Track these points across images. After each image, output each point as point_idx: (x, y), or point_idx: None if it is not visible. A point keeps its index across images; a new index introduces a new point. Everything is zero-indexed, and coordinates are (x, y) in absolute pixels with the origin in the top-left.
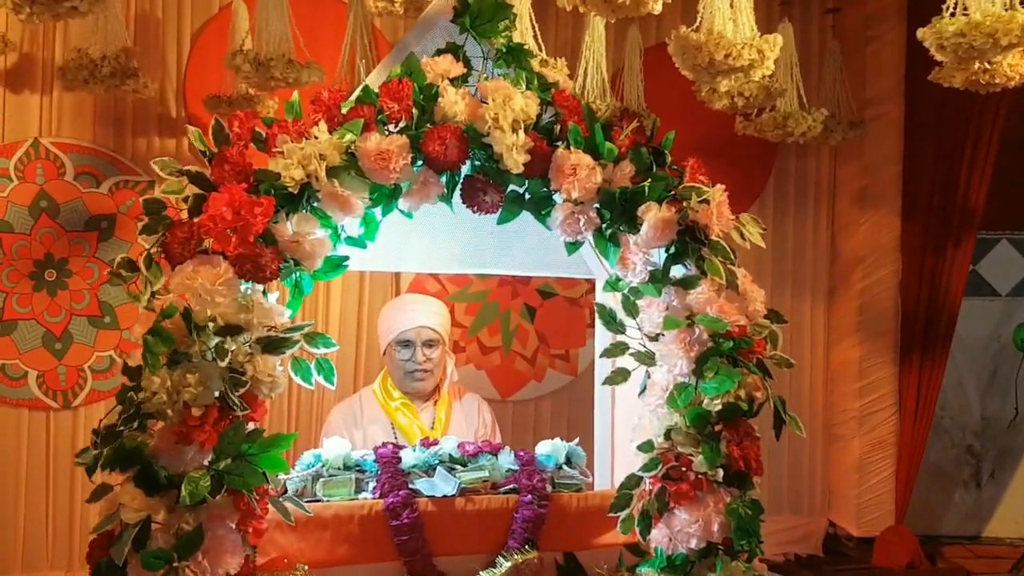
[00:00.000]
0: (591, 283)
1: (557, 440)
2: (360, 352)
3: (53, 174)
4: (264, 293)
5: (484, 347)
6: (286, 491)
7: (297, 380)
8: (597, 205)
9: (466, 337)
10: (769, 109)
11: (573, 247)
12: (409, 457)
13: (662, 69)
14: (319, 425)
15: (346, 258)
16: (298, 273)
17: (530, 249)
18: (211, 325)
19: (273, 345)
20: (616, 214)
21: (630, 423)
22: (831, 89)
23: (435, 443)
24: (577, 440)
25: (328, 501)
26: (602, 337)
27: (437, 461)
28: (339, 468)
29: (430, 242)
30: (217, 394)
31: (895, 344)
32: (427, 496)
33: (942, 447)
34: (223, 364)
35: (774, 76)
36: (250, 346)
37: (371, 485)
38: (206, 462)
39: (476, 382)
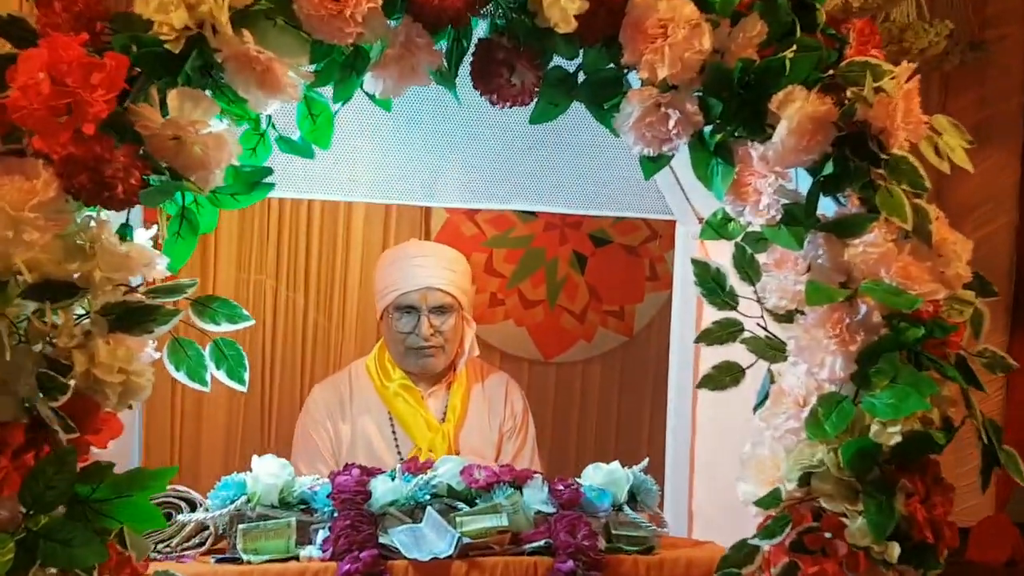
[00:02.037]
0: (653, 229)
1: (614, 465)
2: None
3: None
4: (125, 230)
5: (526, 300)
6: (205, 531)
7: (179, 377)
8: (700, 92)
9: (505, 288)
10: (882, 20)
11: (653, 165)
12: (382, 491)
13: None
14: None
15: (269, 171)
16: (186, 196)
17: (585, 176)
18: (17, 280)
19: (130, 317)
20: (732, 108)
21: (716, 439)
22: (947, 2)
23: (425, 467)
24: (645, 464)
25: (250, 561)
26: (683, 305)
27: (427, 497)
28: (272, 506)
29: (461, 168)
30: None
31: (1008, 307)
32: (407, 559)
33: None
34: (36, 349)
35: None
36: (92, 319)
37: (320, 535)
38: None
39: (516, 341)
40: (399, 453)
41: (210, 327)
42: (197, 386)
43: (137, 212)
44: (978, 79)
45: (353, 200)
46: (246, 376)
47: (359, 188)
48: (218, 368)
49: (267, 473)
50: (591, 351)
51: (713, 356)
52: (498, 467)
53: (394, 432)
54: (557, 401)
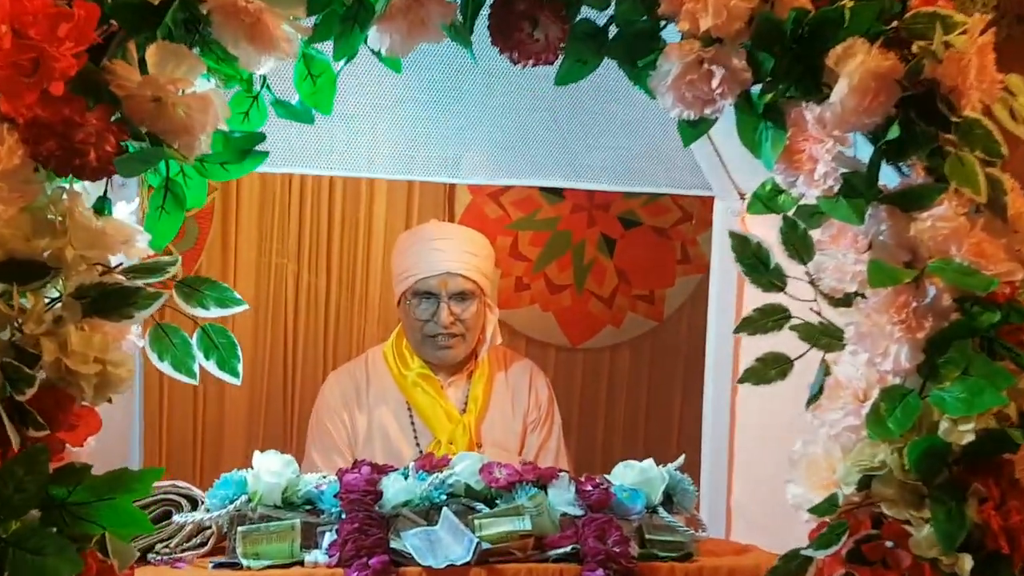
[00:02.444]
0: (685, 210)
1: (647, 463)
2: None
3: None
4: (103, 204)
5: (552, 285)
6: (207, 530)
7: (162, 368)
8: (747, 46)
9: (531, 272)
10: None
11: (692, 131)
12: (394, 491)
13: None
14: None
15: (261, 137)
16: (171, 166)
17: (615, 151)
18: None
19: (107, 301)
20: (784, 64)
21: (758, 432)
22: None
23: (441, 464)
24: (681, 462)
25: (250, 567)
26: (721, 288)
27: (443, 498)
28: (275, 506)
29: (485, 143)
30: None
31: None
32: (421, 565)
33: None
34: (3, 337)
35: None
36: (64, 302)
37: (327, 538)
38: None
39: (542, 326)
40: (418, 445)
41: (198, 312)
42: (184, 378)
43: (134, 186)
44: None
45: (373, 176)
46: (239, 367)
47: (379, 164)
48: (207, 358)
49: (269, 471)
50: (619, 337)
51: (754, 343)
52: (521, 465)
53: (413, 423)
54: (584, 388)
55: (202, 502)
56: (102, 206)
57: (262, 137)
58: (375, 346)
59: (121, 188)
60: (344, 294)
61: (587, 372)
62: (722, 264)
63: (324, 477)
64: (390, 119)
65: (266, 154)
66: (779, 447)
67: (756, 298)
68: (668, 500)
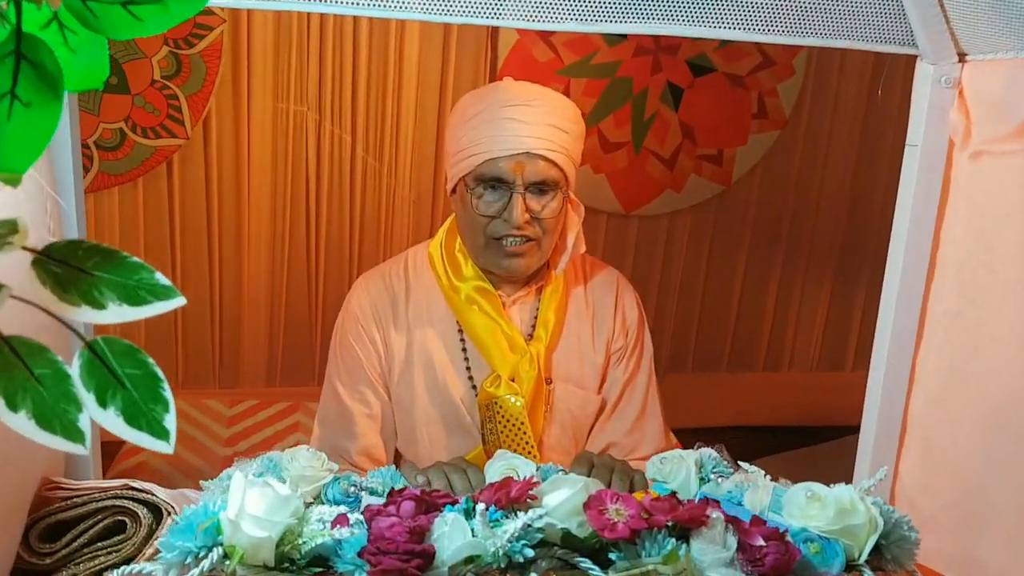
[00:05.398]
0: (765, 54)
1: (845, 492)
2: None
3: None
4: None
5: (606, 142)
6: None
7: (15, 424)
8: None
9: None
10: None
11: None
12: (455, 547)
13: None
14: None
15: None
16: (24, 9)
17: None
18: None
19: None
20: None
21: (945, 402)
22: None
23: (523, 494)
24: (882, 475)
25: None
26: (922, 184)
27: (529, 553)
28: (265, 567)
29: None
30: None
31: None
32: None
33: None
34: None
35: None
36: None
37: None
38: None
39: (593, 190)
40: (471, 379)
41: (84, 314)
42: (64, 445)
43: None
44: None
45: (405, 18)
46: (168, 420)
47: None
48: (103, 405)
49: (256, 517)
50: (680, 203)
51: (953, 271)
52: (648, 499)
53: (465, 351)
54: (637, 262)
55: (168, 513)
56: None
57: None
58: (417, 244)
59: None
60: (372, 151)
61: (641, 243)
62: (926, 157)
63: (338, 510)
64: None
65: None
66: (964, 423)
67: (971, 207)
68: (878, 553)
